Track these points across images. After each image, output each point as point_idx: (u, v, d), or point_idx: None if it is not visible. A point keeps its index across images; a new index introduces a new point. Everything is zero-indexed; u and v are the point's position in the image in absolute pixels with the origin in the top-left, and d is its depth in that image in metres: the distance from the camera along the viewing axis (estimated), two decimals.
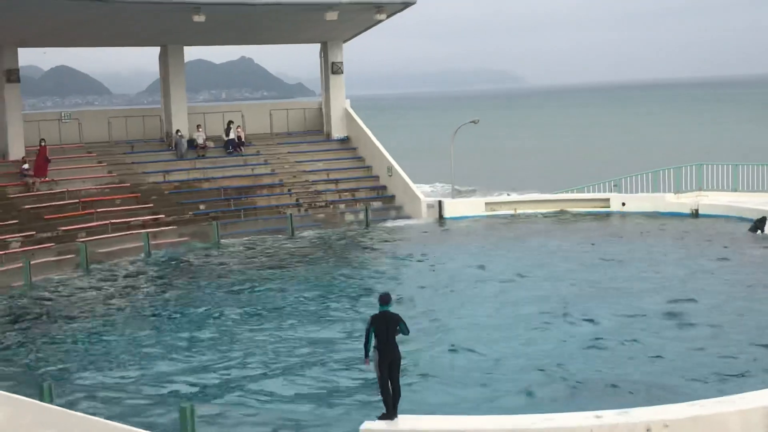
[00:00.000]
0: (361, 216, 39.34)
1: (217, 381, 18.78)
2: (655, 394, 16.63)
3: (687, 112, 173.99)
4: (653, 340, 20.23)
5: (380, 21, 41.17)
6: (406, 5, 40.82)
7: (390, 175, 42.00)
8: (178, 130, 41.64)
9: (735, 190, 38.92)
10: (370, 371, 15.07)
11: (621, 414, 13.84)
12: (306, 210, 40.18)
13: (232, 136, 42.43)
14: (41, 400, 14.76)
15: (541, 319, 22.37)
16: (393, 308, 14.87)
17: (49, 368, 20.25)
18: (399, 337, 14.74)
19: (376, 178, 42.95)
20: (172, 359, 20.54)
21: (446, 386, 17.75)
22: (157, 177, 40.09)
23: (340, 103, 45.15)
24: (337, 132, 45.10)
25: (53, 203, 36.23)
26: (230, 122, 42.89)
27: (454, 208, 39.87)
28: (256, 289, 27.55)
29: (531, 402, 16.67)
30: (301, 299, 25.86)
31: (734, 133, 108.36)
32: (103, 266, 32.09)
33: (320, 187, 41.82)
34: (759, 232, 32.51)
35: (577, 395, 16.94)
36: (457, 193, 43.60)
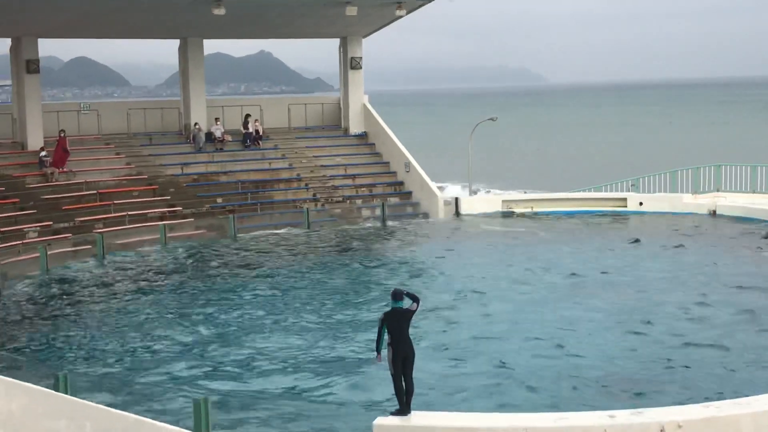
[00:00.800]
0: (378, 212, 39.34)
1: (230, 375, 18.83)
2: (670, 394, 16.61)
3: (705, 112, 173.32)
4: (668, 339, 20.21)
5: (400, 17, 41.14)
6: (426, 1, 40.78)
7: (407, 171, 41.99)
8: (196, 123, 41.73)
9: (753, 191, 38.75)
10: (384, 367, 15.06)
11: (635, 414, 13.80)
12: (323, 205, 40.22)
13: (250, 129, 42.49)
14: (56, 390, 14.82)
15: (554, 316, 22.36)
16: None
17: (64, 358, 20.36)
18: (413, 332, 14.72)
19: (394, 174, 42.93)
20: (188, 353, 20.60)
21: (459, 383, 17.77)
22: (174, 169, 40.18)
23: (359, 99, 45.17)
24: (355, 127, 45.13)
25: (71, 194, 36.39)
26: (248, 115, 42.94)
27: (471, 205, 39.82)
28: (271, 283, 27.61)
29: (544, 400, 16.65)
30: (315, 294, 25.88)
31: (753, 134, 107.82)
32: (119, 257, 32.17)
33: (337, 182, 41.83)
34: None
35: (591, 394, 16.92)
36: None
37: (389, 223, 38.28)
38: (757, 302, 23.34)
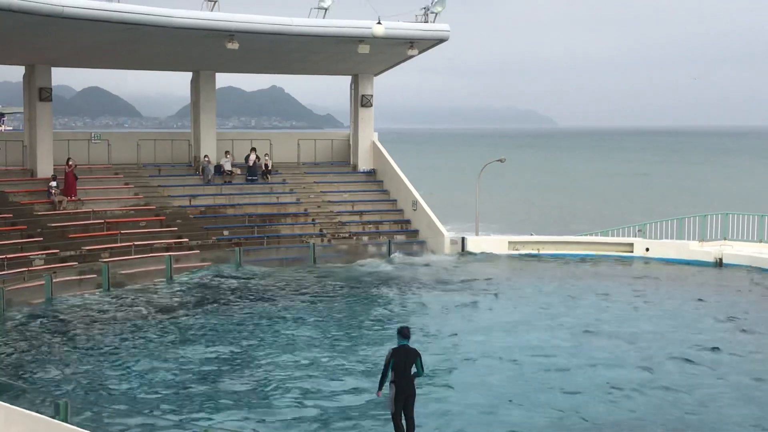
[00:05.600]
0: (384, 249, 39.34)
1: (234, 405, 18.77)
2: None
3: (714, 161, 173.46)
4: (674, 385, 20.12)
5: (412, 56, 41.38)
6: (439, 42, 41.06)
7: (414, 210, 42.04)
8: (205, 156, 41.87)
9: (760, 240, 38.65)
10: (384, 403, 15.06)
11: None
12: (329, 240, 40.23)
13: (250, 162, 42.44)
14: (56, 417, 14.77)
15: (562, 363, 22.27)
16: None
17: (66, 386, 20.31)
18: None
19: (401, 211, 43.00)
20: (190, 382, 20.53)
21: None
22: (182, 201, 40.29)
23: (368, 136, 45.34)
24: (364, 164, 45.26)
25: (78, 222, 36.47)
26: (252, 149, 42.95)
27: (477, 244, 39.83)
28: (276, 317, 27.56)
29: None
30: (319, 329, 25.82)
31: (762, 183, 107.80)
32: (124, 287, 32.14)
33: (344, 219, 41.88)
34: None
35: None
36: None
37: (394, 260, 38.09)
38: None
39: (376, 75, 45.59)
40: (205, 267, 35.41)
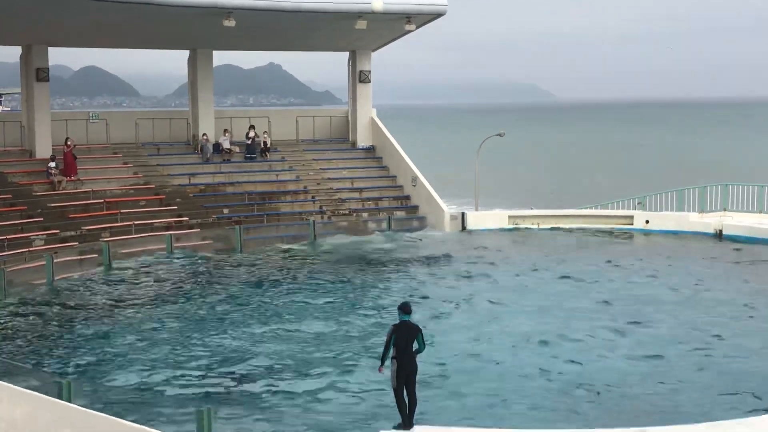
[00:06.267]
0: (384, 225, 39.34)
1: (235, 384, 18.84)
2: (675, 413, 16.60)
3: (713, 132, 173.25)
4: (674, 359, 20.20)
5: (409, 31, 41.23)
6: (436, 16, 40.89)
7: (414, 186, 41.99)
8: (204, 134, 41.79)
9: (760, 211, 38.62)
10: (386, 378, 15.08)
11: None
12: (329, 217, 40.23)
13: (249, 139, 42.33)
14: (60, 398, 14.82)
15: (556, 335, 22.33)
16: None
17: (68, 366, 20.36)
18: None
19: (400, 187, 42.95)
20: (192, 360, 20.59)
21: (470, 396, 17.75)
22: (182, 180, 40.25)
23: (367, 112, 45.23)
24: (363, 141, 45.17)
25: (78, 202, 36.48)
26: (251, 126, 42.86)
27: (477, 220, 39.82)
28: (275, 293, 27.59)
29: (548, 417, 16.63)
30: (315, 305, 25.88)
31: (761, 153, 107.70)
32: (125, 266, 32.14)
33: (344, 195, 41.86)
34: None
35: (594, 412, 16.90)
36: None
37: (394, 236, 38.09)
38: None
39: (373, 51, 45.43)
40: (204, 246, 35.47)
